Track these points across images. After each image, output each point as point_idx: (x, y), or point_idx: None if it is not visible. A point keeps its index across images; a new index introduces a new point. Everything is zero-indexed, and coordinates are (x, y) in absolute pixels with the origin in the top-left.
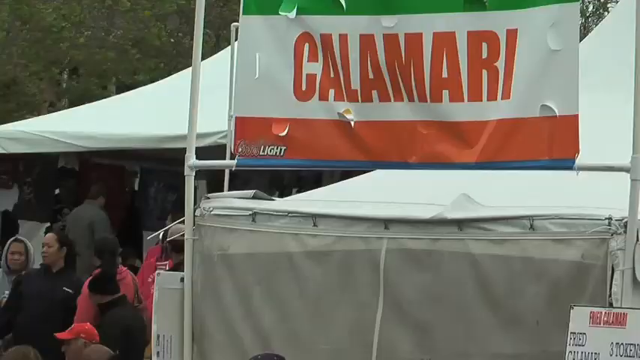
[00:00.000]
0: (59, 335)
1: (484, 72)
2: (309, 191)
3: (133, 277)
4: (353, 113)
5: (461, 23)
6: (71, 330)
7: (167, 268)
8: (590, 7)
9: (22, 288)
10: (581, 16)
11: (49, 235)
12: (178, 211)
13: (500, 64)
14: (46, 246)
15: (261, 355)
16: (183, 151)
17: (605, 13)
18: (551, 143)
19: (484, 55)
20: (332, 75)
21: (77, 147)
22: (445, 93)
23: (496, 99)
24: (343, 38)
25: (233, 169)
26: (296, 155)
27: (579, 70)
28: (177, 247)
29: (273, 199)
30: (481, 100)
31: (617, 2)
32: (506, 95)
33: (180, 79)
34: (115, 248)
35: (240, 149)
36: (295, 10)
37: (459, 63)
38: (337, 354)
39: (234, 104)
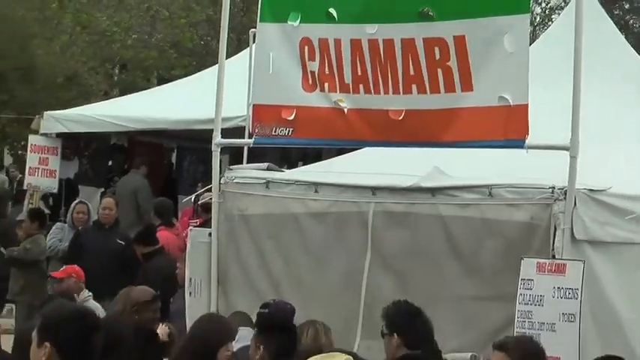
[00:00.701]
0: (54, 274)
1: (439, 70)
2: (311, 164)
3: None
4: (345, 102)
5: (418, 31)
6: (64, 270)
7: (197, 225)
8: (538, 19)
9: (82, 241)
10: (531, 25)
11: (110, 200)
12: (207, 180)
13: (452, 63)
14: (108, 209)
15: (277, 300)
16: (211, 131)
17: (550, 22)
18: (506, 127)
19: (437, 57)
20: (327, 72)
21: (126, 127)
22: (414, 87)
23: (455, 91)
24: (337, 42)
25: (251, 146)
26: (301, 135)
27: (529, 68)
28: (206, 208)
29: (283, 171)
30: (439, 93)
31: (560, 15)
32: (467, 88)
33: (209, 73)
34: (171, 209)
35: (256, 130)
36: (299, 19)
37: (420, 63)
38: (333, 295)
39: (252, 94)
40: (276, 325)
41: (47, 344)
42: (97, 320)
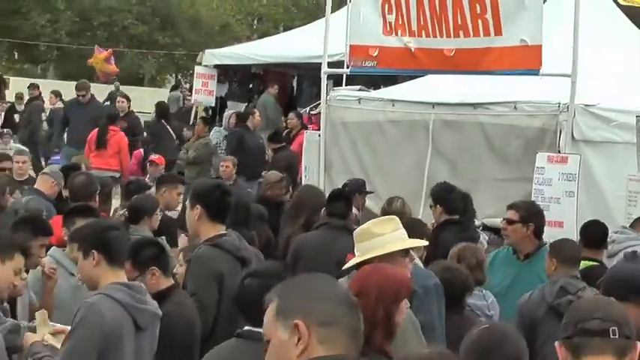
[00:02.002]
0: (152, 158)
1: (479, 21)
2: (390, 86)
3: None
4: (412, 43)
5: None
6: (159, 158)
7: (312, 129)
8: None
9: (243, 138)
10: None
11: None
12: (317, 97)
13: (488, 16)
14: (257, 115)
15: (355, 179)
16: (320, 63)
17: None
18: (525, 60)
19: (478, 11)
20: (400, 22)
21: (262, 61)
22: (461, 32)
23: (490, 35)
24: (407, 0)
25: (348, 73)
26: (382, 66)
27: (543, 19)
28: (317, 117)
29: (370, 91)
30: (479, 36)
31: None
32: (498, 33)
33: (319, 24)
34: (302, 115)
35: (351, 62)
36: None
37: (465, 16)
38: (405, 177)
39: (348, 37)
40: (331, 196)
41: (198, 206)
42: (228, 188)
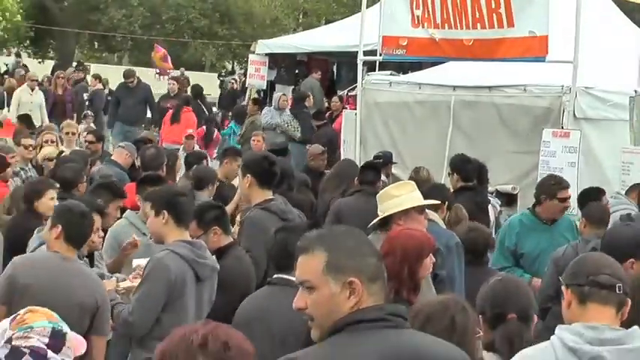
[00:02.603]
0: (190, 133)
1: (494, 15)
2: (416, 72)
3: None
4: (437, 34)
5: None
6: (196, 132)
7: (349, 109)
8: None
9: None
10: None
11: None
12: (354, 81)
13: (502, 10)
14: (311, 98)
15: (384, 151)
16: (357, 52)
17: None
18: (533, 48)
19: (493, 6)
20: (426, 15)
21: (306, 50)
22: (478, 24)
23: (503, 27)
24: None
25: (380, 60)
26: (410, 54)
27: (549, 12)
28: (354, 98)
29: (399, 76)
30: (494, 28)
31: None
32: (511, 25)
33: (356, 17)
34: (343, 98)
35: (383, 51)
36: None
37: (482, 10)
38: (429, 149)
39: (381, 29)
40: (363, 167)
41: (248, 175)
42: (274, 159)
